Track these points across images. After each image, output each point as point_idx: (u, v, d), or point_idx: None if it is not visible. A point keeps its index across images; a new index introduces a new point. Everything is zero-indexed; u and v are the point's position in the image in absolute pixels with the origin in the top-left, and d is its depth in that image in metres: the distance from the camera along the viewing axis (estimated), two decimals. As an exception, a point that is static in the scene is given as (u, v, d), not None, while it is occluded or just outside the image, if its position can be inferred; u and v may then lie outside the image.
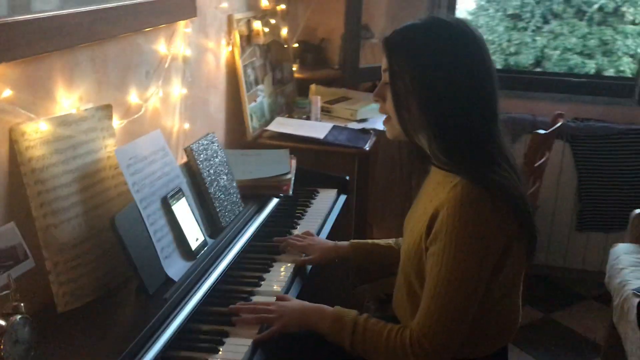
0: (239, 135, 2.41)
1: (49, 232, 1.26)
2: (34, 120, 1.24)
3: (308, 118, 2.73)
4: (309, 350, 1.44)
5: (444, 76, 1.23)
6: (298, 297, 1.53)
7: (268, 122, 2.56)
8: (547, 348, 2.70)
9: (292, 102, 2.85)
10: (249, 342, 1.32)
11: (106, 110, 1.43)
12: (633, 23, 8.49)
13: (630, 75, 7.31)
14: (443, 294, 1.20)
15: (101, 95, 1.48)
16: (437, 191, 1.29)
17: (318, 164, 2.35)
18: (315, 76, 3.04)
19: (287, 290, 1.58)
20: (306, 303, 1.42)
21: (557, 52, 8.61)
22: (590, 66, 8.52)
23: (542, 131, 2.48)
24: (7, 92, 1.16)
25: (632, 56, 8.68)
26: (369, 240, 1.71)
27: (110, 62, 1.52)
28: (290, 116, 2.75)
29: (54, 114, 1.31)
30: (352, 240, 1.71)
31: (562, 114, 2.76)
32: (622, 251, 2.34)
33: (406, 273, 1.36)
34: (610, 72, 8.47)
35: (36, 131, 1.23)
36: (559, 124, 2.67)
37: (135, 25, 1.57)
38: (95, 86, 1.46)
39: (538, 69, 5.53)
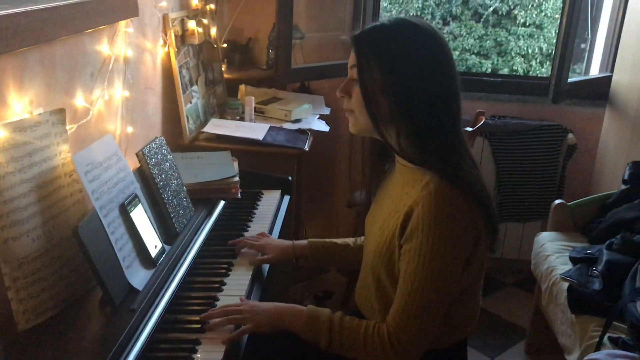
0: (175, 138, 2.36)
1: (8, 245, 1.17)
2: (-11, 126, 1.15)
3: (241, 119, 2.71)
4: (284, 352, 1.44)
5: (411, 72, 1.27)
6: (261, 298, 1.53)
7: (203, 124, 2.51)
8: (477, 334, 2.84)
9: (223, 104, 2.82)
10: (223, 347, 1.30)
11: (59, 114, 1.35)
12: (524, 25, 9.11)
13: (538, 75, 7.81)
14: (420, 290, 1.24)
15: (50, 99, 1.40)
16: (406, 190, 1.33)
17: (257, 165, 2.34)
18: (243, 76, 3.02)
19: (249, 292, 1.57)
20: (278, 303, 1.41)
21: (457, 52, 9.06)
22: (487, 66, 9.05)
23: (469, 129, 2.62)
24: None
25: (523, 56, 9.28)
26: (327, 239, 1.73)
27: (58, 64, 1.44)
28: (223, 117, 2.72)
29: (6, 119, 1.22)
30: (310, 239, 1.73)
31: (483, 112, 2.92)
32: (546, 239, 2.51)
33: (375, 271, 1.39)
34: (504, 70, 9.02)
35: (-8, 138, 1.15)
36: (481, 122, 2.82)
37: (84, 25, 1.49)
38: (44, 89, 1.37)
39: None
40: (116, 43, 1.76)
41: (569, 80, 2.88)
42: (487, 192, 1.31)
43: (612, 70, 3.09)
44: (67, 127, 1.43)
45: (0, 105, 1.21)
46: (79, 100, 1.55)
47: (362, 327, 1.32)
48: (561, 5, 2.79)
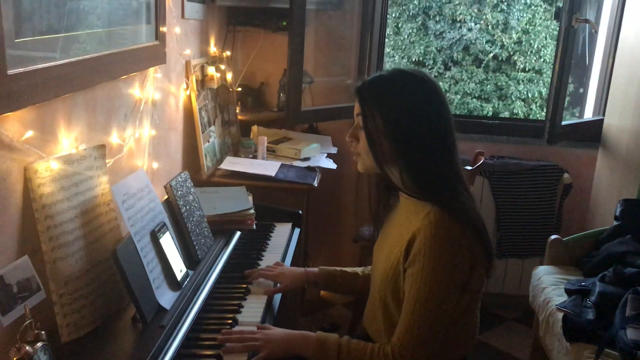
0: (193, 174, 2.51)
1: (56, 265, 1.32)
2: (44, 159, 1.31)
3: (254, 157, 2.88)
4: None
5: (409, 117, 1.44)
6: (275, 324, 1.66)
7: (220, 161, 2.68)
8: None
9: (237, 143, 3.00)
10: (243, 364, 1.43)
11: (101, 150, 1.52)
12: (524, 70, 9.37)
13: (537, 118, 7.98)
14: (422, 310, 1.38)
15: (91, 136, 1.57)
16: (410, 219, 1.48)
17: (269, 200, 2.49)
18: (256, 118, 3.21)
19: (263, 318, 1.69)
20: (289, 330, 1.54)
21: (458, 96, 9.32)
22: (488, 109, 9.28)
23: (468, 167, 2.78)
24: (30, 133, 1.24)
25: (523, 100, 9.51)
26: (337, 268, 1.86)
27: (98, 106, 1.61)
28: (237, 155, 2.89)
29: (57, 153, 1.39)
30: (321, 267, 1.86)
31: (482, 152, 3.09)
32: (542, 272, 2.64)
33: (381, 295, 1.52)
34: (505, 114, 9.24)
35: (47, 169, 1.31)
36: (481, 161, 2.99)
37: (120, 71, 1.68)
38: (87, 128, 1.54)
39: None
40: (146, 87, 1.94)
41: (563, 122, 3.06)
42: (482, 221, 1.46)
43: (604, 114, 3.27)
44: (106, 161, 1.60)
45: (52, 141, 1.38)
46: (114, 138, 1.72)
47: (369, 348, 1.44)
48: None
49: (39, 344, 1.16)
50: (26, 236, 1.29)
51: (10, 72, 1.11)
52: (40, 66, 1.23)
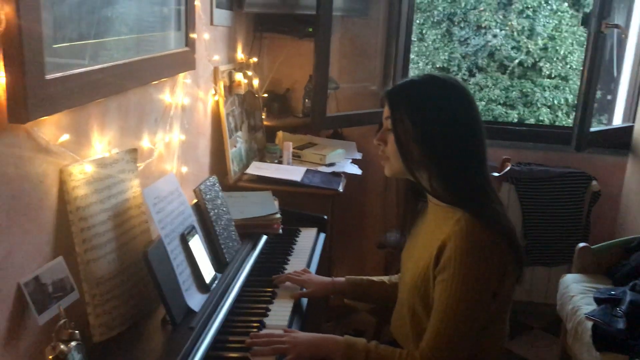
0: (220, 178, 2.53)
1: (89, 266, 1.35)
2: (79, 162, 1.34)
3: (279, 162, 2.90)
4: None
5: (439, 122, 1.44)
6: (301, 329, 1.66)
7: (246, 166, 2.70)
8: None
9: (263, 148, 3.02)
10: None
11: (132, 154, 1.55)
12: (550, 77, 9.27)
13: (564, 124, 7.90)
14: (452, 317, 1.37)
15: (123, 141, 1.60)
16: (439, 226, 1.47)
17: (295, 205, 2.50)
18: (281, 124, 3.23)
19: (290, 321, 1.70)
20: (316, 334, 1.54)
21: (483, 102, 9.24)
22: (513, 116, 9.19)
23: (495, 174, 2.76)
24: (65, 137, 1.27)
25: (549, 107, 9.40)
26: (364, 277, 1.85)
27: (130, 111, 1.64)
28: (263, 160, 2.91)
29: (90, 156, 1.42)
30: (348, 276, 1.86)
31: (509, 159, 3.06)
32: (570, 281, 2.61)
33: (410, 302, 1.52)
34: (530, 121, 9.14)
35: (81, 172, 1.34)
36: (508, 168, 2.96)
37: (152, 77, 1.71)
38: (119, 132, 1.57)
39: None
40: (176, 93, 1.97)
41: (591, 129, 3.02)
42: (513, 227, 1.45)
43: (634, 120, 3.22)
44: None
45: (86, 144, 1.41)
46: (145, 142, 1.75)
47: (397, 354, 1.44)
48: None
49: (73, 343, 1.19)
50: (61, 238, 1.32)
51: (48, 76, 1.14)
52: (76, 71, 1.26)
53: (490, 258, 1.36)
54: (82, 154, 1.38)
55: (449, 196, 1.45)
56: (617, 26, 2.80)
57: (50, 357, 1.14)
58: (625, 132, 3.22)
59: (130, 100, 1.64)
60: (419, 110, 1.45)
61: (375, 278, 1.85)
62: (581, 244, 2.70)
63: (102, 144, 1.47)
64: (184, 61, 1.94)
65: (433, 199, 1.52)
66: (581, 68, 8.81)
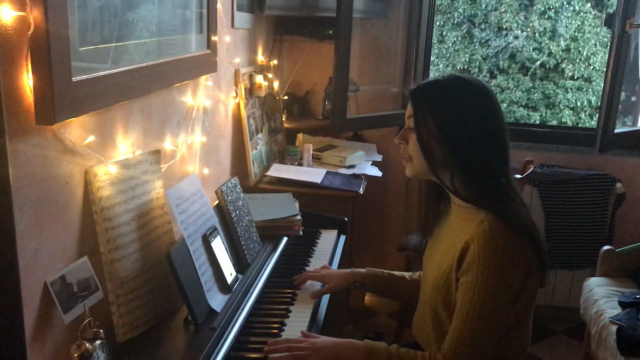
0: (240, 180, 2.55)
1: (113, 266, 1.37)
2: (103, 163, 1.36)
3: (300, 164, 2.91)
4: None
5: (462, 122, 1.43)
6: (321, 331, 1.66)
7: (266, 169, 2.72)
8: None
9: (283, 150, 3.03)
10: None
11: (156, 155, 1.56)
12: (572, 78, 9.17)
13: (587, 126, 7.81)
14: (475, 319, 1.36)
15: (146, 142, 1.62)
16: (462, 227, 1.46)
17: (315, 207, 2.50)
18: (301, 126, 3.24)
19: (310, 326, 1.69)
20: (335, 339, 1.52)
21: (504, 104, 9.16)
22: (535, 118, 9.10)
23: (518, 176, 2.74)
24: (90, 138, 1.29)
25: (572, 109, 9.29)
26: (385, 270, 1.85)
27: (154, 113, 1.66)
28: (283, 163, 2.92)
29: (115, 158, 1.44)
30: (369, 268, 1.85)
31: (531, 161, 3.04)
32: (594, 284, 2.57)
33: (432, 303, 1.51)
34: (553, 123, 9.04)
35: (106, 173, 1.36)
36: (530, 170, 2.94)
37: (175, 79, 1.73)
38: (142, 134, 1.59)
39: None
40: (198, 95, 1.99)
41: (616, 130, 2.98)
42: (536, 228, 1.43)
43: (659, 122, 3.18)
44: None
45: (111, 146, 1.43)
46: (168, 144, 1.76)
47: (419, 356, 1.43)
48: None
49: (98, 342, 1.20)
50: (85, 238, 1.34)
51: (75, 79, 1.16)
52: (101, 74, 1.27)
53: (514, 260, 1.35)
54: (106, 155, 1.40)
55: (471, 196, 1.44)
56: (642, 26, 2.76)
57: (76, 355, 1.16)
58: (650, 134, 3.18)
59: (153, 102, 1.66)
60: (442, 109, 1.44)
61: (396, 272, 1.85)
62: (605, 247, 2.66)
63: (126, 145, 1.49)
64: (206, 64, 1.96)
65: (456, 200, 1.51)
66: (604, 69, 8.71)
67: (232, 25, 2.36)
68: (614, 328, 2.21)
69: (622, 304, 2.36)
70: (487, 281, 1.34)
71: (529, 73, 9.34)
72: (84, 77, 1.20)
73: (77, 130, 1.27)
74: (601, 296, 2.46)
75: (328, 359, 1.47)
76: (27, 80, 1.08)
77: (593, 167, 3.28)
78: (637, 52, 3.35)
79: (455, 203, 1.52)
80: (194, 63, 1.84)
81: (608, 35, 8.69)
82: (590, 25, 9.00)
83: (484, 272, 1.34)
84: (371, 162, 3.08)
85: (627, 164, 3.29)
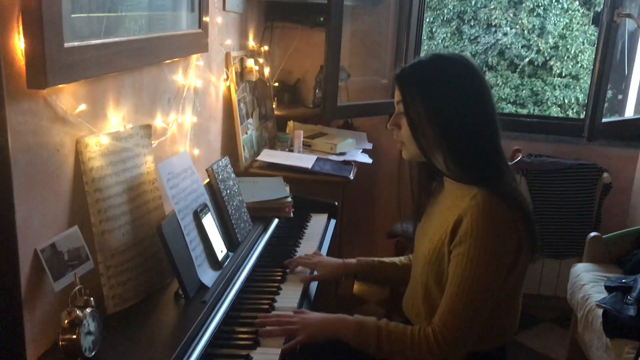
0: (231, 164, 2.55)
1: (104, 237, 1.36)
2: (95, 134, 1.36)
3: (290, 151, 2.91)
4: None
5: (449, 101, 1.43)
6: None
7: (257, 154, 2.71)
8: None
9: (274, 137, 3.03)
10: (282, 340, 1.45)
11: (147, 129, 1.56)
12: (560, 76, 9.23)
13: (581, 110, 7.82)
14: (467, 291, 1.37)
15: (137, 117, 1.61)
16: (456, 203, 1.47)
17: (305, 192, 2.50)
18: (291, 114, 3.24)
19: (301, 301, 1.70)
20: (326, 314, 1.53)
21: (493, 101, 9.17)
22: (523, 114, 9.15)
23: (506, 163, 2.75)
24: (82, 107, 1.29)
25: (559, 106, 9.36)
26: (375, 258, 1.85)
27: (144, 89, 1.66)
28: (274, 149, 2.92)
29: (105, 130, 1.43)
30: (359, 258, 1.86)
31: (519, 150, 3.06)
32: (581, 270, 2.60)
33: (423, 278, 1.52)
34: (541, 120, 9.03)
35: (97, 144, 1.35)
36: (518, 158, 2.96)
37: (166, 55, 1.72)
38: (133, 109, 1.59)
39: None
40: (189, 74, 1.98)
41: (604, 120, 3.01)
42: (527, 203, 1.45)
43: (646, 112, 3.21)
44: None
45: (102, 118, 1.42)
46: (158, 121, 1.76)
47: (409, 330, 1.44)
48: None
49: (88, 310, 1.20)
50: (76, 207, 1.33)
51: (67, 45, 1.15)
52: (93, 42, 1.27)
53: (506, 232, 1.37)
54: (97, 127, 1.39)
55: (464, 176, 1.45)
56: (629, 15, 2.78)
57: (66, 321, 1.16)
58: (637, 124, 3.21)
59: (145, 78, 1.65)
60: (429, 90, 1.44)
61: (386, 259, 1.85)
62: (592, 234, 2.69)
63: (117, 118, 1.49)
64: (197, 43, 1.95)
65: (449, 179, 1.51)
66: (592, 67, 8.77)
67: (224, 8, 2.36)
68: (600, 311, 2.23)
69: (608, 288, 2.39)
70: (480, 254, 1.35)
71: (518, 70, 9.40)
72: (76, 43, 1.20)
73: (68, 98, 1.26)
74: (588, 281, 2.49)
75: (318, 334, 1.48)
76: (18, 43, 1.08)
77: (580, 157, 3.31)
78: (625, 51, 3.38)
79: (448, 181, 1.53)
80: (185, 41, 1.83)
81: (595, 34, 8.77)
82: (578, 23, 9.07)
83: (477, 245, 1.35)
84: (362, 150, 3.08)
85: (614, 154, 3.32)
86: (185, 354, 1.29)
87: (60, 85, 1.18)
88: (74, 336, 1.16)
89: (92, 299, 1.22)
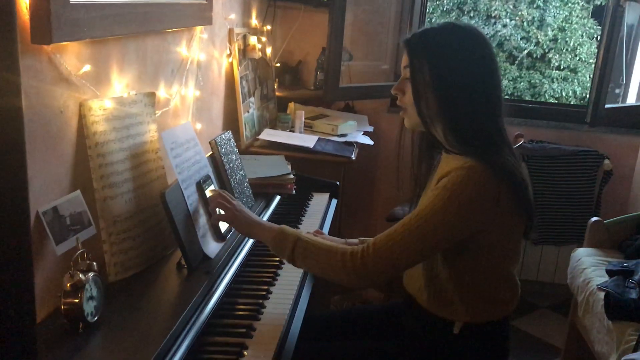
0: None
1: (106, 203, 1.34)
2: (99, 98, 1.33)
3: (292, 132, 2.88)
4: None
5: (457, 69, 1.41)
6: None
7: (258, 133, 2.68)
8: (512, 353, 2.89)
9: (275, 119, 3.00)
10: (286, 311, 1.43)
11: (151, 97, 1.53)
12: (558, 68, 9.21)
13: (579, 103, 7.82)
14: (414, 227, 1.34)
15: (140, 85, 1.58)
16: (449, 168, 1.44)
17: (307, 171, 2.48)
18: (292, 95, 3.21)
19: (303, 278, 1.67)
20: (258, 218, 1.54)
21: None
22: (520, 107, 9.10)
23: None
24: (86, 68, 1.26)
25: (557, 99, 9.36)
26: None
27: (148, 57, 1.63)
28: (275, 129, 2.89)
29: (109, 95, 1.40)
30: (361, 238, 1.83)
31: (521, 135, 3.05)
32: (582, 254, 2.59)
33: None
34: (538, 112, 9.02)
35: (101, 108, 1.32)
36: (520, 143, 2.94)
37: (171, 23, 1.69)
38: (137, 76, 1.56)
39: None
40: (192, 47, 1.95)
41: (607, 105, 2.99)
42: (524, 179, 1.41)
43: (648, 100, 3.20)
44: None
45: (105, 82, 1.39)
46: (162, 92, 1.73)
47: (339, 251, 1.40)
48: (595, 50, 2.91)
49: (91, 274, 1.18)
50: (79, 172, 1.30)
51: (72, 0, 1.12)
52: (98, 1, 1.24)
53: (480, 200, 1.33)
54: (101, 91, 1.36)
55: (461, 148, 1.42)
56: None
57: (68, 285, 1.13)
58: (639, 111, 3.20)
59: (149, 46, 1.62)
60: (437, 58, 1.42)
61: None
62: (594, 219, 2.68)
63: (120, 84, 1.46)
64: (201, 14, 1.92)
65: (447, 151, 1.49)
66: (591, 61, 8.72)
67: (228, -18, 2.33)
68: (602, 295, 2.22)
69: (609, 272, 2.38)
70: (445, 204, 1.33)
71: (516, 62, 9.37)
72: (82, 0, 1.16)
73: (72, 58, 1.23)
74: (589, 265, 2.48)
75: (239, 226, 1.52)
76: (22, -3, 1.05)
77: (582, 144, 3.30)
78: (622, 46, 3.35)
79: (445, 154, 1.51)
80: (190, 10, 1.80)
81: (595, 27, 8.76)
82: (577, 16, 9.05)
83: (446, 195, 1.33)
84: (363, 132, 3.06)
85: (615, 141, 3.31)
86: (188, 323, 1.27)
87: (64, 43, 1.15)
88: (76, 300, 1.14)
89: (94, 263, 1.19)
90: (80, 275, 1.14)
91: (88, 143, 1.30)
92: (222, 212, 1.53)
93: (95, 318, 1.19)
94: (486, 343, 1.51)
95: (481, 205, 1.35)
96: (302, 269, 1.55)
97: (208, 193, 1.60)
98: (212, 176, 1.70)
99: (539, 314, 3.28)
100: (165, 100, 1.75)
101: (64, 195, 1.24)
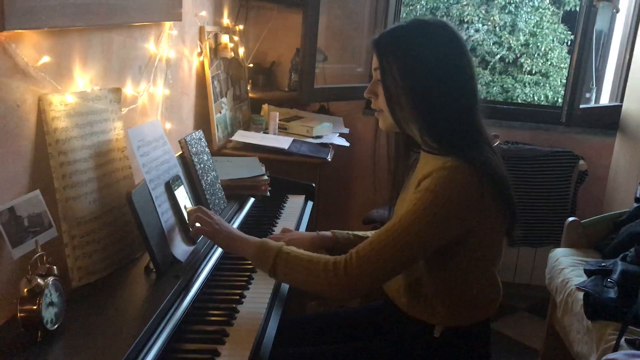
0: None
1: (69, 204, 1.26)
2: (60, 92, 1.25)
3: (266, 133, 2.82)
4: None
5: (428, 68, 1.36)
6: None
7: (230, 134, 2.62)
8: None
9: (248, 120, 2.94)
10: (260, 317, 1.37)
11: (116, 93, 1.46)
12: (530, 73, 9.33)
13: (553, 104, 7.89)
14: (397, 234, 1.29)
15: (106, 81, 1.51)
16: (429, 171, 1.40)
17: (281, 173, 2.42)
18: (266, 97, 3.15)
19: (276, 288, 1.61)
20: (237, 231, 1.49)
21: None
22: (493, 112, 9.18)
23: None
24: (45, 59, 1.18)
25: (529, 103, 9.46)
26: (351, 232, 1.79)
27: (114, 52, 1.55)
28: (248, 131, 2.83)
29: (71, 90, 1.33)
30: (334, 230, 1.78)
31: (497, 135, 3.02)
32: (560, 254, 2.58)
33: None
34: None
35: (62, 103, 1.25)
36: (496, 144, 2.92)
37: (138, 16, 1.62)
38: (102, 71, 1.48)
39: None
40: (161, 43, 1.88)
41: (581, 106, 2.99)
42: (504, 175, 1.38)
43: (621, 100, 3.21)
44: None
45: (67, 76, 1.32)
46: (129, 89, 1.66)
47: (321, 261, 1.36)
48: (566, 55, 2.92)
49: (51, 279, 1.10)
50: (38, 171, 1.23)
51: (28, -14, 1.05)
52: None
53: (462, 195, 1.29)
54: (62, 85, 1.29)
55: (440, 147, 1.38)
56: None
57: (26, 290, 1.05)
58: (612, 112, 3.21)
59: (114, 40, 1.55)
60: (407, 57, 1.37)
61: (361, 233, 1.78)
62: (570, 219, 2.67)
63: (83, 80, 1.38)
64: (170, 10, 1.85)
65: (424, 150, 1.45)
66: (562, 65, 8.83)
67: (199, -21, 2.26)
68: (580, 295, 2.20)
69: (587, 271, 2.36)
70: (427, 207, 1.28)
71: (489, 67, 9.46)
72: (39, -13, 1.09)
73: (29, 49, 1.16)
74: (567, 265, 2.46)
75: (220, 242, 1.47)
76: (-27, -20, 0.97)
77: (557, 144, 3.30)
78: (599, 51, 3.36)
79: (423, 152, 1.47)
80: (157, 5, 1.73)
81: (565, 32, 8.90)
82: (548, 21, 9.17)
83: (427, 198, 1.29)
84: (338, 134, 3.01)
85: (589, 142, 3.32)
86: (157, 329, 1.20)
87: (20, 31, 1.08)
88: (34, 307, 1.06)
89: (54, 267, 1.12)
90: (38, 280, 1.07)
91: (48, 140, 1.22)
92: (199, 225, 1.47)
93: (56, 326, 1.11)
94: (468, 346, 1.47)
95: (467, 206, 1.30)
96: (285, 282, 1.50)
97: (182, 201, 1.53)
98: (182, 176, 1.63)
99: (517, 316, 3.26)
100: (133, 98, 1.68)
101: (22, 195, 1.16)
